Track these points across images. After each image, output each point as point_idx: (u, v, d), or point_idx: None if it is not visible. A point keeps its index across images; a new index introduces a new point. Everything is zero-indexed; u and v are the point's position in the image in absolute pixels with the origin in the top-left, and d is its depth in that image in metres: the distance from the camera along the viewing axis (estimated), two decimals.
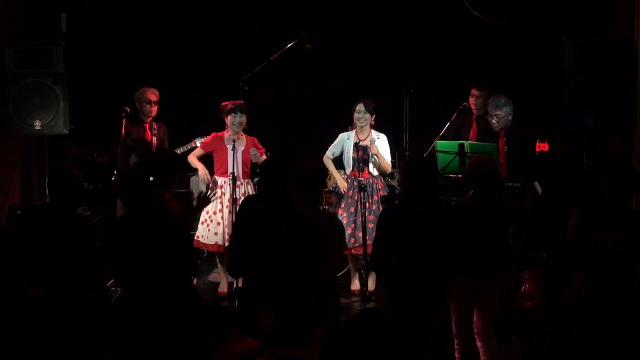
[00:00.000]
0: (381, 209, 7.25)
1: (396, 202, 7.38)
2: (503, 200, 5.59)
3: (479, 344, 5.42)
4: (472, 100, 7.73)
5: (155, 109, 7.66)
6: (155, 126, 7.69)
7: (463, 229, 5.18)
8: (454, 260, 5.04)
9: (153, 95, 7.66)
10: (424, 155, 7.76)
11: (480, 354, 5.39)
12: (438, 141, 7.29)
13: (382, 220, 5.13)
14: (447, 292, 5.16)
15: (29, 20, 8.06)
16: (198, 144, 7.56)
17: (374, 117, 7.30)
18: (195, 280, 6.88)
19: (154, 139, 7.65)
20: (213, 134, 7.40)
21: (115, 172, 7.51)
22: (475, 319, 5.41)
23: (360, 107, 7.28)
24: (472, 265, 5.22)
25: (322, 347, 4.46)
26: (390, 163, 7.36)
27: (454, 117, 7.83)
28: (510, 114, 7.06)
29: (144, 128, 7.66)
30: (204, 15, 8.90)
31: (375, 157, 7.23)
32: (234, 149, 7.10)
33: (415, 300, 4.93)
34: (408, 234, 4.94)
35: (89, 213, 7.16)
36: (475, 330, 5.40)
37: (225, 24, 8.91)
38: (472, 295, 5.34)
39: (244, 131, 7.38)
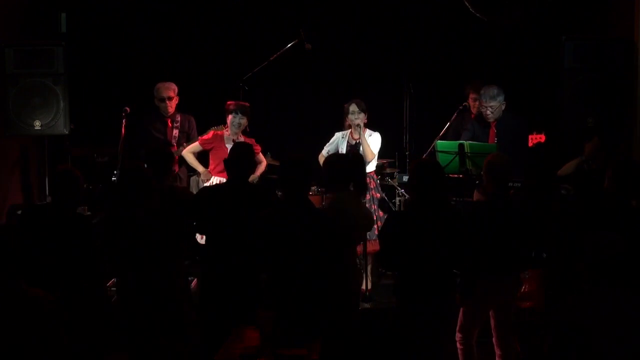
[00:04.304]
0: (374, 208, 7.25)
1: (401, 207, 7.45)
2: (511, 199, 5.61)
3: (497, 352, 5.40)
4: (471, 102, 7.76)
5: (171, 104, 7.67)
6: (178, 119, 7.72)
7: (480, 228, 5.17)
8: (470, 261, 5.02)
9: (166, 91, 7.67)
10: (424, 156, 7.77)
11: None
12: (438, 141, 7.30)
13: (391, 222, 5.11)
14: (455, 294, 5.12)
15: (29, 20, 8.06)
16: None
17: (366, 115, 7.35)
18: (195, 281, 6.87)
19: (176, 131, 7.67)
20: (212, 132, 7.42)
21: (115, 172, 7.50)
22: (492, 323, 5.39)
23: (354, 107, 7.34)
24: (489, 265, 5.21)
25: (322, 347, 4.47)
26: (374, 154, 7.34)
27: (454, 117, 7.84)
28: (503, 104, 7.11)
29: (165, 122, 7.68)
30: (204, 15, 8.90)
31: (360, 145, 7.25)
32: None
33: (425, 301, 4.91)
34: (418, 236, 4.91)
35: (89, 213, 7.16)
36: (494, 335, 5.39)
37: (225, 24, 8.91)
38: (489, 295, 5.31)
39: (244, 133, 7.41)
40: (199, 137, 7.49)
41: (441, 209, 4.99)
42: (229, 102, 7.37)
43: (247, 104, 7.45)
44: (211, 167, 7.39)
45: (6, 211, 7.52)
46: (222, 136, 7.37)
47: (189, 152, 7.45)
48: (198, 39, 8.93)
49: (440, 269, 4.91)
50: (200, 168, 7.41)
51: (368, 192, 7.13)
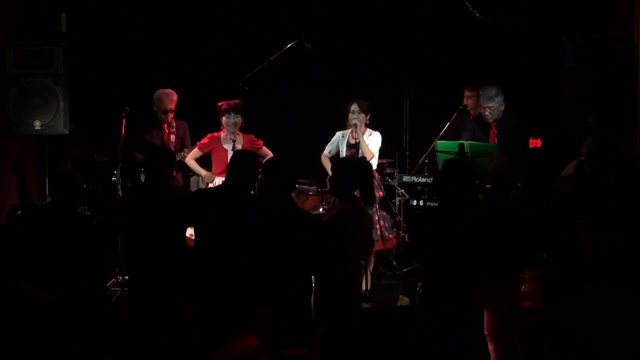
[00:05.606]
0: (375, 207, 7.23)
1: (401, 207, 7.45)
2: (511, 199, 5.62)
3: (490, 347, 5.40)
4: (465, 100, 7.78)
5: (172, 114, 7.64)
6: (174, 124, 7.68)
7: (480, 228, 5.19)
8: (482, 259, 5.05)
9: (170, 103, 7.57)
10: (424, 156, 7.78)
11: (492, 357, 5.39)
12: (438, 141, 7.30)
13: (424, 216, 5.15)
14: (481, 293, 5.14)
15: (29, 20, 8.06)
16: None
17: (368, 116, 7.33)
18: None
19: (173, 137, 7.65)
20: (209, 135, 7.42)
21: (115, 172, 7.50)
22: (486, 320, 5.39)
23: (354, 107, 7.33)
24: (489, 265, 5.21)
25: (322, 347, 4.47)
26: (373, 153, 7.32)
27: (453, 117, 7.84)
28: (502, 105, 7.10)
29: (162, 128, 7.66)
30: (204, 16, 8.90)
31: (359, 143, 7.26)
32: (234, 148, 7.11)
33: (449, 299, 4.92)
34: (447, 233, 4.93)
35: (89, 213, 7.16)
36: (486, 332, 5.39)
37: (225, 24, 8.91)
38: (489, 295, 5.31)
39: (241, 130, 7.41)
40: (197, 143, 7.48)
41: (470, 207, 5.01)
42: (220, 104, 7.35)
43: (238, 101, 7.42)
44: (213, 169, 7.40)
45: (6, 211, 7.52)
46: (218, 137, 7.36)
47: (190, 159, 7.43)
48: (198, 39, 8.93)
49: (466, 267, 4.92)
50: (202, 172, 7.40)
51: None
